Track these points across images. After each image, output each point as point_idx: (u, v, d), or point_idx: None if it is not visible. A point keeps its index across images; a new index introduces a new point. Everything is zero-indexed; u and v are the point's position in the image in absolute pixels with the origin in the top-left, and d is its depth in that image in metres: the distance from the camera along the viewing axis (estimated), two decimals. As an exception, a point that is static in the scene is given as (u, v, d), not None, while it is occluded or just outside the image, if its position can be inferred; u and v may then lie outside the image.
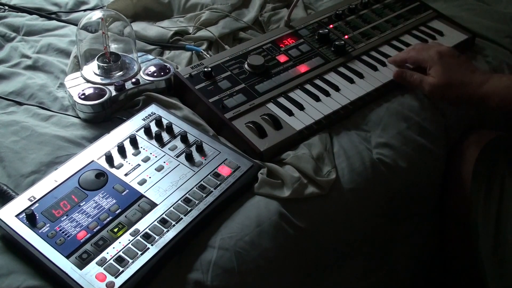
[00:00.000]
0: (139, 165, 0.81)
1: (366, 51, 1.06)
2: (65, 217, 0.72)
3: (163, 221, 0.73)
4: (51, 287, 0.67)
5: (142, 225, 0.72)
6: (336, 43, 1.04)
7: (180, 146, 0.84)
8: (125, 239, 0.70)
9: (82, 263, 0.67)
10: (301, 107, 0.92)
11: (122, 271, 0.67)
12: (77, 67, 1.00)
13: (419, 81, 0.94)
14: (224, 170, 0.80)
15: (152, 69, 0.98)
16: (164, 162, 0.81)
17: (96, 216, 0.73)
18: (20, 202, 0.73)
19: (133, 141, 0.84)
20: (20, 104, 0.95)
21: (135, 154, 0.82)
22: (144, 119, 0.88)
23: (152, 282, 0.69)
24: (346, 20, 1.13)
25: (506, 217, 0.87)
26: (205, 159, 0.82)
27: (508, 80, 0.87)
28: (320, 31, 1.06)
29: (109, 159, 0.80)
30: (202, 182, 0.79)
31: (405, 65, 1.01)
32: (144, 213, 0.74)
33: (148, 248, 0.70)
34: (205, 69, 0.95)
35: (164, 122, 0.87)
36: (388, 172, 0.89)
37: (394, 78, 0.98)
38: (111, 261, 0.68)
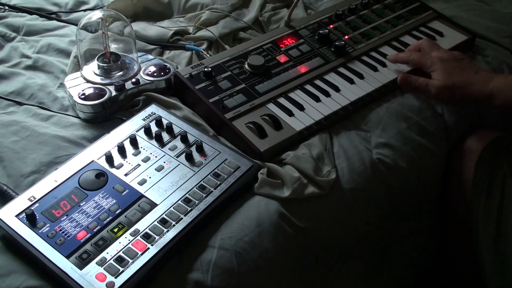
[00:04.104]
0: (139, 165, 0.81)
1: (366, 52, 1.06)
2: (65, 217, 0.72)
3: (163, 221, 0.73)
4: (51, 287, 0.67)
5: (142, 225, 0.72)
6: (336, 43, 1.04)
7: (180, 146, 0.84)
8: (125, 239, 0.70)
9: (82, 263, 0.67)
10: (301, 108, 0.92)
11: (122, 271, 0.67)
12: (77, 67, 1.00)
13: (425, 85, 0.95)
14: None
15: (152, 69, 0.98)
16: (164, 162, 0.81)
17: (96, 216, 0.73)
18: (20, 202, 0.73)
19: (133, 141, 0.84)
20: (20, 104, 0.95)
21: (135, 154, 0.82)
22: (144, 119, 0.88)
23: (152, 282, 0.69)
24: (346, 21, 1.13)
25: (507, 218, 0.87)
26: (205, 159, 0.82)
27: None
28: (320, 32, 1.06)
29: (109, 159, 0.80)
30: (202, 182, 0.79)
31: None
32: (144, 213, 0.74)
33: (148, 248, 0.70)
34: (205, 69, 0.95)
35: (164, 122, 0.87)
36: (388, 172, 0.89)
37: (399, 83, 0.98)
38: (111, 261, 0.68)
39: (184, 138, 0.85)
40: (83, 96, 0.91)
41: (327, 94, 0.95)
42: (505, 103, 0.88)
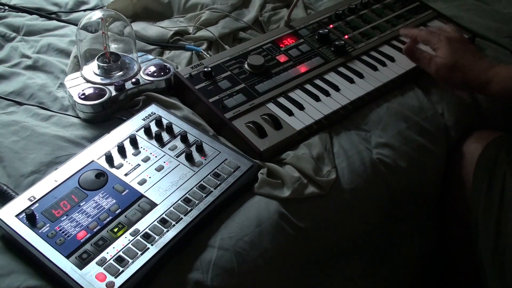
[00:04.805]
0: (139, 165, 0.81)
1: (366, 51, 1.06)
2: (65, 217, 0.72)
3: (163, 221, 0.73)
4: (51, 287, 0.67)
5: (142, 225, 0.72)
6: (336, 43, 1.04)
7: (180, 146, 0.84)
8: (125, 239, 0.70)
9: (82, 263, 0.67)
10: (301, 107, 0.92)
11: (122, 271, 0.67)
12: (77, 67, 1.00)
13: (428, 59, 0.94)
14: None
15: (152, 69, 0.98)
16: (164, 162, 0.81)
17: (96, 216, 0.73)
18: (20, 202, 0.73)
19: (133, 141, 0.84)
20: (20, 104, 0.95)
21: (135, 154, 0.82)
22: (144, 119, 0.88)
23: (152, 282, 0.69)
24: (346, 20, 1.13)
25: (507, 218, 0.87)
26: (205, 159, 0.82)
27: None
28: (320, 31, 1.06)
29: (109, 159, 0.80)
30: (202, 182, 0.79)
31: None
32: (144, 213, 0.74)
33: (148, 248, 0.70)
34: (205, 69, 0.95)
35: (164, 122, 0.87)
36: (388, 172, 0.89)
37: (404, 52, 0.99)
38: (111, 261, 0.68)
39: (184, 138, 0.85)
40: (83, 96, 0.91)
41: (327, 94, 0.96)
42: (503, 91, 0.87)
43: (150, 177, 0.79)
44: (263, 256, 0.75)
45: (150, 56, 1.04)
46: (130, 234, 0.71)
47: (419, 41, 0.99)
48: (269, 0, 1.24)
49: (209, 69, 0.95)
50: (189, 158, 0.82)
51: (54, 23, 1.19)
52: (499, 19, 1.18)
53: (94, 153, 0.81)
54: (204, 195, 0.77)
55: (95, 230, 0.71)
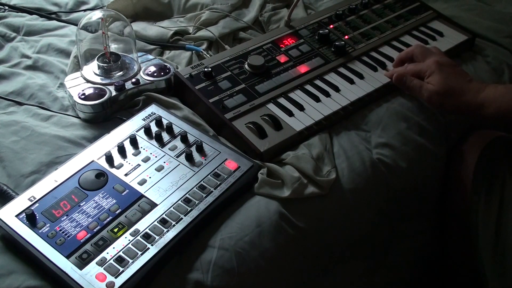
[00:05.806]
0: (139, 165, 0.81)
1: (366, 52, 1.06)
2: (65, 217, 0.72)
3: (163, 221, 0.73)
4: (51, 287, 0.67)
5: (142, 225, 0.72)
6: (336, 43, 1.04)
7: (180, 146, 0.84)
8: (125, 239, 0.70)
9: (82, 263, 0.67)
10: (301, 108, 0.92)
11: (122, 271, 0.67)
12: (77, 67, 1.00)
13: (418, 87, 0.94)
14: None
15: (152, 69, 0.98)
16: (164, 162, 0.81)
17: (96, 216, 0.73)
18: (20, 202, 0.73)
19: (133, 141, 0.84)
20: (20, 104, 0.95)
21: (135, 154, 0.82)
22: (144, 119, 0.88)
23: (152, 282, 0.69)
24: (346, 21, 1.13)
25: (507, 218, 0.87)
26: (205, 159, 0.82)
27: (504, 89, 0.88)
28: (320, 31, 1.07)
29: (109, 159, 0.80)
30: (202, 182, 0.79)
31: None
32: (144, 213, 0.74)
33: (148, 248, 0.70)
34: (205, 69, 0.95)
35: (164, 122, 0.87)
36: (388, 172, 0.89)
37: (393, 82, 0.98)
38: (111, 261, 0.68)
39: (184, 138, 0.85)
40: (83, 96, 0.91)
41: (327, 94, 0.96)
42: (497, 113, 0.86)
43: (150, 177, 0.79)
44: (263, 256, 0.75)
45: (150, 56, 1.04)
46: (130, 234, 0.71)
47: (410, 76, 0.97)
48: (269, 0, 1.24)
49: (209, 69, 0.95)
50: (189, 158, 0.82)
51: (54, 23, 1.19)
52: (499, 19, 1.18)
53: (94, 153, 0.81)
54: (204, 195, 0.77)
55: (95, 230, 0.71)
